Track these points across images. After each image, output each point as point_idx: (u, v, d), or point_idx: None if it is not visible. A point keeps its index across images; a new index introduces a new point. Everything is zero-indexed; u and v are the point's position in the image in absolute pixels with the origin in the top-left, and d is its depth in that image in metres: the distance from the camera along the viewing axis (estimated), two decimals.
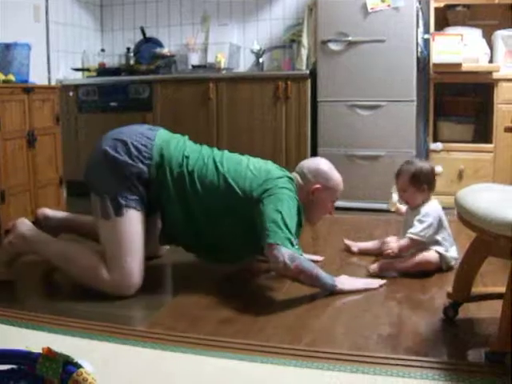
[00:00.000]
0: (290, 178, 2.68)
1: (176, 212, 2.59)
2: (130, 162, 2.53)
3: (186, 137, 2.79)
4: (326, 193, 2.76)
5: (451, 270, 2.74)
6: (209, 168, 2.59)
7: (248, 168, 2.63)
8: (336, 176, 2.80)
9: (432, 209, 2.82)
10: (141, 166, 2.54)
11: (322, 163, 2.82)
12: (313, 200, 2.74)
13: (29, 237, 2.65)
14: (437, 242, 2.79)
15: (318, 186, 2.73)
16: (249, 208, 2.53)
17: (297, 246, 2.43)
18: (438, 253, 2.77)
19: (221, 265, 2.85)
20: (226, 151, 2.75)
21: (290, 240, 2.40)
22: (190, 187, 2.56)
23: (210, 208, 2.57)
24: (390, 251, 2.77)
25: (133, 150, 2.55)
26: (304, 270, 2.40)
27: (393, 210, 3.11)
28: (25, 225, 2.70)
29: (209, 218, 2.58)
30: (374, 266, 2.78)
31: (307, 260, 2.48)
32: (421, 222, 2.78)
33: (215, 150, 2.75)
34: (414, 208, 2.88)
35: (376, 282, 2.60)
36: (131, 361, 1.92)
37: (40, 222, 2.99)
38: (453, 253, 2.80)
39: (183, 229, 2.64)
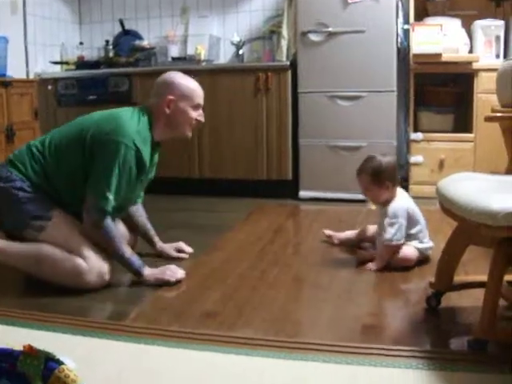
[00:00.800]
0: (141, 113, 2.67)
1: (60, 190, 2.62)
2: (5, 193, 2.56)
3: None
4: (182, 101, 2.71)
5: (429, 261, 2.75)
6: (57, 139, 2.65)
7: (91, 121, 2.64)
8: (185, 81, 2.76)
9: (399, 207, 2.75)
10: (13, 185, 2.55)
11: (168, 75, 2.78)
12: (172, 113, 2.71)
13: None
14: (411, 236, 2.75)
15: (170, 97, 2.69)
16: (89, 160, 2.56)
17: (109, 200, 2.49)
18: (415, 247, 2.74)
19: None
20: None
21: (106, 198, 2.48)
22: (53, 165, 2.60)
23: (75, 172, 2.58)
24: (372, 268, 2.71)
25: None
26: (104, 238, 2.51)
27: (374, 207, 3.05)
28: None
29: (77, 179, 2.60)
30: (370, 265, 2.74)
31: (115, 234, 2.54)
32: (391, 225, 2.71)
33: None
34: (383, 206, 2.81)
35: (175, 276, 2.60)
36: (114, 355, 1.90)
37: None
38: (428, 243, 2.79)
39: (72, 199, 2.64)
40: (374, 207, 3.02)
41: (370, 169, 2.79)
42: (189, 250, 3.05)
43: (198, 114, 2.78)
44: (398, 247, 2.71)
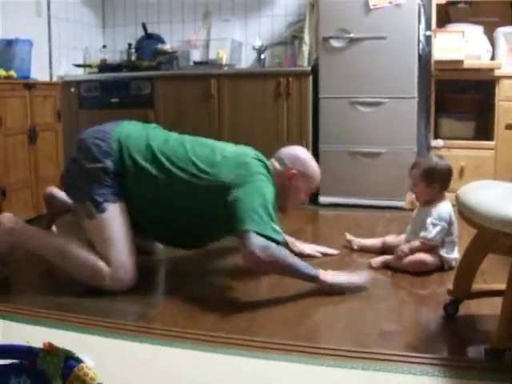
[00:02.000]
0: (265, 164, 2.68)
1: (143, 201, 2.62)
2: (91, 161, 2.58)
3: (153, 125, 2.84)
4: (302, 180, 2.76)
5: (452, 270, 2.73)
6: (178, 155, 2.60)
7: (221, 154, 2.63)
8: (314, 165, 2.82)
9: (445, 211, 2.77)
10: (103, 162, 2.57)
11: (300, 150, 2.85)
12: (288, 186, 2.74)
13: (17, 230, 2.61)
14: (441, 244, 2.76)
15: (294, 171, 2.73)
16: (220, 194, 2.51)
17: (278, 231, 2.43)
18: (439, 255, 2.75)
19: (185, 249, 2.91)
20: (197, 138, 2.77)
21: (270, 226, 2.40)
22: (159, 176, 2.57)
23: (179, 194, 2.58)
24: (400, 253, 2.75)
25: (93, 147, 2.60)
26: (276, 259, 2.37)
27: (407, 207, 3.06)
28: (6, 218, 2.64)
29: (178, 204, 2.59)
30: (376, 260, 2.82)
31: (283, 249, 2.45)
32: (434, 225, 2.73)
33: (186, 136, 2.76)
34: (426, 206, 2.84)
35: (360, 278, 2.57)
36: (131, 356, 1.92)
37: (46, 200, 3.18)
38: (455, 254, 2.77)
39: (151, 217, 2.66)
40: (408, 206, 3.01)
41: (424, 165, 2.84)
42: (327, 250, 3.08)
43: (306, 197, 2.85)
44: (435, 247, 2.74)
